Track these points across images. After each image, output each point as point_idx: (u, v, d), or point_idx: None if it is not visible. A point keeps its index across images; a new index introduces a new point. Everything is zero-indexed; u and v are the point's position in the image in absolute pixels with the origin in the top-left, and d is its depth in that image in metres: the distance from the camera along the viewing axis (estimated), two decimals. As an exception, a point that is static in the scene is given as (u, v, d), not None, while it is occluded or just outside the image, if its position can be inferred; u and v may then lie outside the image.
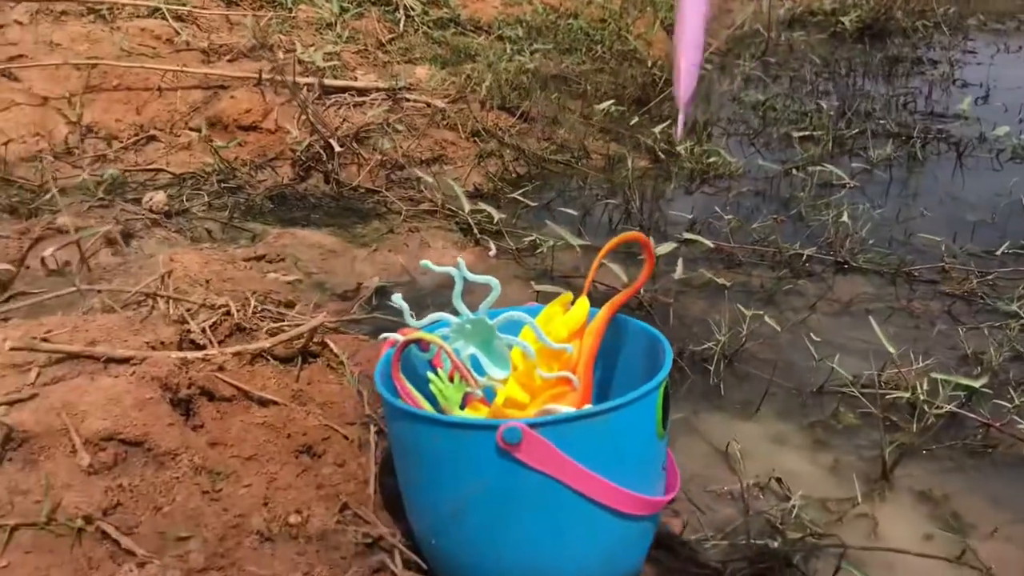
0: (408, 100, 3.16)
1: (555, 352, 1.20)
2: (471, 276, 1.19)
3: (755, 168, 3.00)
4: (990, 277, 2.17)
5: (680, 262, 2.13)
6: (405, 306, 1.21)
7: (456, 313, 1.22)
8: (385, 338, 1.22)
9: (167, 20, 3.29)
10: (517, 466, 1.00)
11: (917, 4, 5.48)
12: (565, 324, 1.23)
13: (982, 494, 1.43)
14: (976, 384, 1.60)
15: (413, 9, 3.87)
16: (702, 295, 2.14)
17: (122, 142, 2.84)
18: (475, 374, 1.21)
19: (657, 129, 3.20)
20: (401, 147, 2.91)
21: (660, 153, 3.13)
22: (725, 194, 2.79)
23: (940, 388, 1.61)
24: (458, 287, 1.19)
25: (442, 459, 1.06)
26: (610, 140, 3.24)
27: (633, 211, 2.66)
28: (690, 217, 2.56)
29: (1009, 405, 1.61)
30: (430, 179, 2.72)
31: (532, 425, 0.99)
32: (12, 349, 1.30)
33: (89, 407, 1.22)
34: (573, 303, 1.26)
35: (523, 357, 1.21)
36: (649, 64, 3.94)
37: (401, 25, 3.78)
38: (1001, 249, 2.31)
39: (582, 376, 1.20)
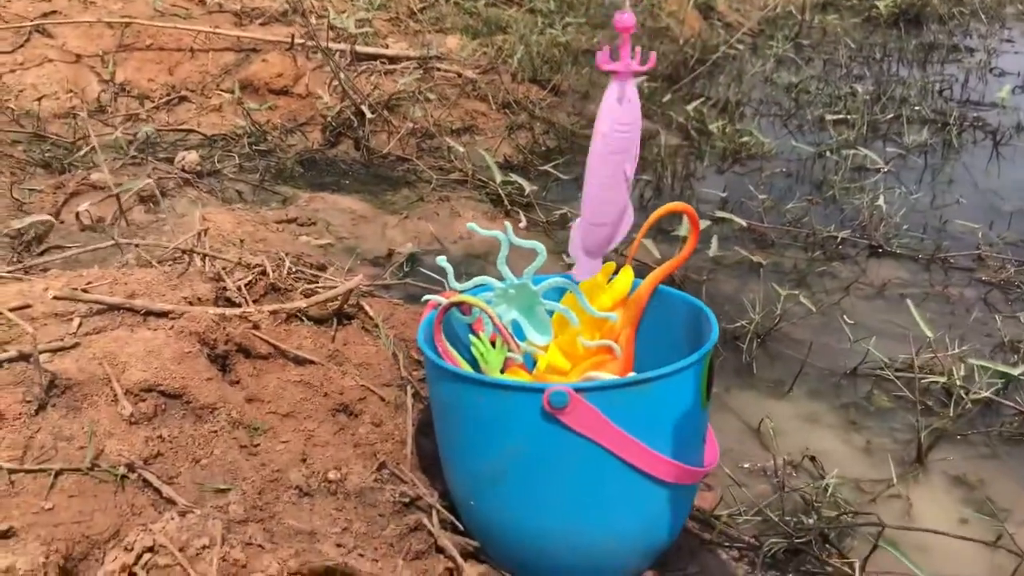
0: (439, 70, 3.14)
1: (598, 320, 1.20)
2: (517, 241, 1.18)
3: (788, 149, 2.97)
4: (1027, 266, 2.14)
5: (715, 240, 2.12)
6: (450, 268, 1.20)
7: (500, 277, 1.21)
8: (428, 300, 1.21)
9: (200, -19, 3.27)
10: (561, 430, 1.00)
11: (954, -9, 5.40)
12: (609, 293, 1.22)
13: (1017, 481, 1.42)
14: (1014, 372, 1.58)
15: (445, -22, 3.83)
16: (734, 274, 2.12)
17: (154, 102, 2.84)
18: (517, 339, 1.20)
19: (689, 107, 3.18)
20: (432, 116, 2.89)
21: (692, 131, 3.10)
22: (757, 174, 2.77)
23: (976, 374, 1.59)
24: (504, 251, 1.18)
25: (485, 421, 1.05)
26: (641, 117, 3.21)
27: (664, 188, 2.65)
28: (722, 195, 2.54)
29: (1046, 394, 1.59)
30: (461, 149, 2.71)
31: (579, 390, 0.98)
32: (55, 298, 1.30)
33: (130, 358, 1.23)
34: (615, 273, 1.25)
35: (565, 324, 1.21)
36: (681, 42, 3.90)
37: (433, -6, 3.75)
38: (1038, 239, 2.29)
39: (624, 345, 1.20)
